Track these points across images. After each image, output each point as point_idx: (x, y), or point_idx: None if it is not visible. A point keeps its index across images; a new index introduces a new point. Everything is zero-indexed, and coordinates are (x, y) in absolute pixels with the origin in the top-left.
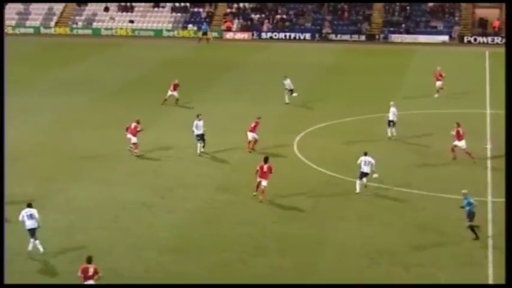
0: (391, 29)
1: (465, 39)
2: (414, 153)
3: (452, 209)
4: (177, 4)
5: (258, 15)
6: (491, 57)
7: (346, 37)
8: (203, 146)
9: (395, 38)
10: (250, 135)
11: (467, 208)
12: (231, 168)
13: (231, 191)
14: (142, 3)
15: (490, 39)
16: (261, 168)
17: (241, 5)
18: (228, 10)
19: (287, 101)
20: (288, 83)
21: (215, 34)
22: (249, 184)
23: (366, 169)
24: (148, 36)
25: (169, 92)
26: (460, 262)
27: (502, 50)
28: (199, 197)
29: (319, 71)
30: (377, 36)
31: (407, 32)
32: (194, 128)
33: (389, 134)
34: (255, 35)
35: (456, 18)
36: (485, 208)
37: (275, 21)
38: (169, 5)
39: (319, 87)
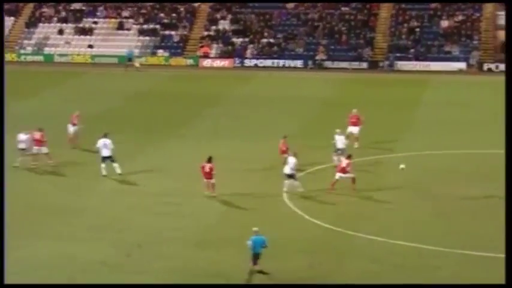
0: (398, 54)
1: (485, 67)
2: (426, 201)
3: (468, 267)
4: (145, 26)
5: (240, 39)
6: None
7: (345, 64)
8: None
9: (403, 65)
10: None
11: (258, 248)
12: (215, 220)
13: (214, 247)
14: (104, 26)
15: None
16: (203, 168)
17: (220, 27)
18: (206, 33)
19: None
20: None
21: (190, 61)
22: (237, 239)
23: None
24: (112, 63)
25: (71, 128)
26: None
27: None
28: (175, 255)
29: (312, 106)
30: (381, 64)
31: (417, 59)
32: (101, 148)
33: (337, 163)
34: (237, 61)
35: (475, 42)
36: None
37: (261, 46)
38: (135, 27)
39: (314, 125)
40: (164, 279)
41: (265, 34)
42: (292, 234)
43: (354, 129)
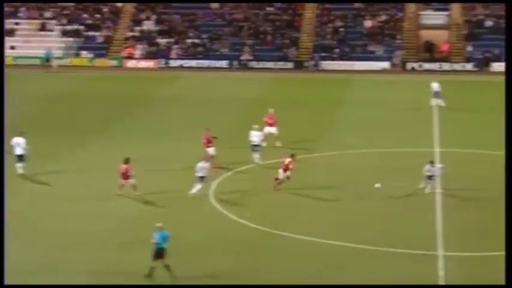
0: (323, 54)
1: (408, 66)
2: (351, 200)
3: (394, 264)
4: (68, 27)
5: (165, 40)
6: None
7: (270, 64)
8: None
9: (328, 65)
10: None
11: (160, 244)
12: (138, 221)
13: (138, 248)
14: (26, 27)
15: (437, 65)
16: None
17: (145, 27)
18: (130, 34)
19: None
20: None
21: (114, 62)
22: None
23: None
24: (34, 64)
25: None
26: None
27: (452, 78)
28: (97, 257)
29: (238, 105)
30: (306, 64)
31: (341, 58)
32: (14, 146)
33: (256, 161)
34: (162, 62)
35: (398, 42)
36: (435, 264)
37: (186, 47)
38: (58, 28)
39: (239, 124)
40: (86, 282)
41: (190, 34)
42: (219, 234)
43: (271, 129)
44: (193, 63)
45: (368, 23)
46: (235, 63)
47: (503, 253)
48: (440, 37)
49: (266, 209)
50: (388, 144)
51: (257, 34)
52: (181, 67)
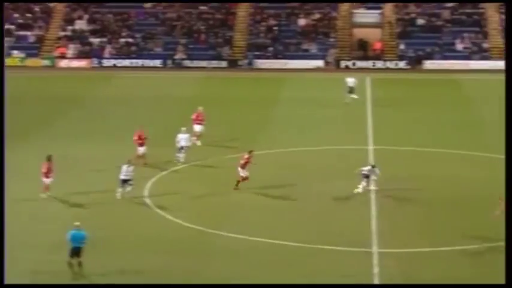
0: (257, 53)
1: (342, 64)
2: (286, 198)
3: (330, 261)
4: None
5: (98, 39)
6: (372, 84)
7: (204, 63)
8: None
9: (262, 63)
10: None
11: (76, 243)
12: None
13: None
14: None
15: (371, 63)
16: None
17: (77, 27)
18: (62, 33)
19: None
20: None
21: (46, 62)
22: (99, 240)
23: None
24: None
25: None
26: None
27: (384, 76)
28: (30, 259)
29: (172, 105)
30: (240, 62)
31: (275, 57)
32: None
33: (181, 160)
34: (95, 62)
35: (331, 40)
36: (370, 261)
37: (119, 46)
38: None
39: (173, 124)
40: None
41: (123, 34)
42: (153, 234)
43: (197, 128)
44: (126, 62)
45: (302, 22)
46: (169, 62)
47: (436, 249)
48: (373, 35)
49: (201, 208)
50: (322, 142)
51: (191, 33)
52: (114, 66)
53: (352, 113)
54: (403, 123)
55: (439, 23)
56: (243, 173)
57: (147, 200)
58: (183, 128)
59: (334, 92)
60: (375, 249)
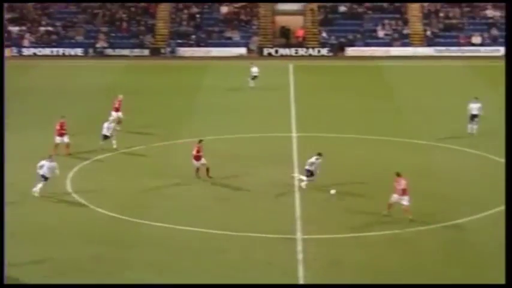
0: (179, 41)
1: (265, 52)
2: (210, 185)
3: (256, 248)
4: None
5: (17, 28)
6: (295, 71)
7: (126, 52)
8: None
9: (185, 51)
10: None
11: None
12: None
13: None
14: None
15: (293, 50)
16: None
17: None
18: None
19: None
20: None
21: None
22: (13, 231)
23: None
24: None
25: None
26: None
27: (307, 63)
28: None
29: (94, 94)
30: (163, 50)
31: (198, 45)
32: None
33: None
34: (14, 51)
35: (254, 28)
36: (295, 247)
37: (39, 35)
38: None
39: (95, 114)
40: None
41: (43, 22)
42: (78, 225)
43: (115, 115)
44: (47, 51)
45: (224, 9)
46: (90, 50)
47: (357, 234)
48: (295, 23)
49: (125, 198)
50: (246, 129)
51: (112, 21)
52: (35, 55)
53: (275, 101)
54: (325, 110)
55: (361, 10)
56: (198, 164)
57: (70, 190)
58: (111, 118)
59: (258, 80)
60: (299, 235)
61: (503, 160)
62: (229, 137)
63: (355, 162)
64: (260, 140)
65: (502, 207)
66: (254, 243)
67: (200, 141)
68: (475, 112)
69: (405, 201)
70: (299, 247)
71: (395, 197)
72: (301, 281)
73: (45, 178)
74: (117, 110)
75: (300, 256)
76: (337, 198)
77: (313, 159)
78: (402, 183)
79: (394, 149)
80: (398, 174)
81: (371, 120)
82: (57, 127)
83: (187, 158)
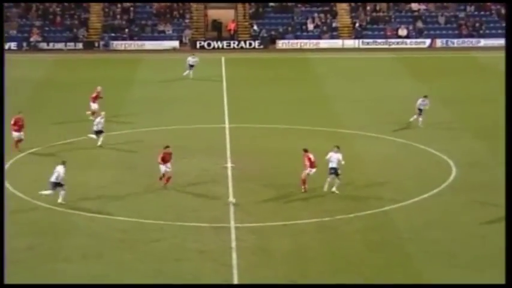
0: (113, 34)
1: (198, 44)
2: (143, 176)
3: (189, 238)
4: None
5: None
6: (227, 64)
7: (61, 45)
8: None
9: (118, 45)
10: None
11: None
12: None
13: None
14: None
15: (225, 43)
16: None
17: None
18: None
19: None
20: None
21: None
22: None
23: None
24: None
25: None
26: None
27: (239, 55)
28: None
29: (27, 87)
30: (96, 44)
31: (132, 38)
32: None
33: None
34: None
35: (187, 21)
36: (228, 235)
37: None
38: None
39: (28, 107)
40: None
41: None
42: (12, 216)
43: (93, 106)
44: None
45: (157, 3)
46: (24, 44)
47: (288, 222)
48: (227, 16)
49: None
50: (180, 121)
51: (46, 15)
52: None
53: (208, 93)
54: (257, 101)
55: (291, 3)
56: (164, 168)
57: (6, 182)
58: (102, 113)
59: (197, 72)
60: (232, 224)
61: (425, 147)
62: (163, 128)
63: (284, 152)
64: (194, 131)
65: (425, 195)
66: (187, 232)
67: (166, 147)
68: (422, 107)
69: (313, 172)
70: (232, 235)
71: (306, 172)
72: (234, 269)
73: (56, 185)
74: (94, 100)
75: (233, 244)
76: (268, 187)
77: (331, 154)
78: (310, 157)
79: (322, 139)
80: (305, 150)
81: (300, 111)
82: (12, 122)
83: (120, 149)
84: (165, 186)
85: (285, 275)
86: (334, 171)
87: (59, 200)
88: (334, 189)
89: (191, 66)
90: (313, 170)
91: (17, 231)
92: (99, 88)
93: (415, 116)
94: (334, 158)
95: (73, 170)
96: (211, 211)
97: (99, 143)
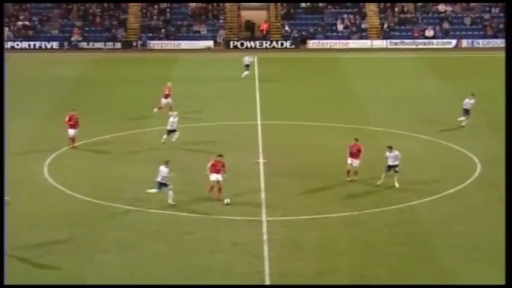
0: (150, 34)
1: (231, 44)
2: (178, 171)
3: (222, 230)
4: None
5: None
6: (260, 63)
7: (100, 45)
8: None
9: (155, 44)
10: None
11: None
12: None
13: None
14: None
15: (258, 43)
16: None
17: None
18: None
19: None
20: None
21: None
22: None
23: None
24: None
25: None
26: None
27: (271, 55)
28: None
29: (68, 84)
30: (134, 43)
31: (168, 38)
32: None
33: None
34: None
35: (221, 22)
36: (260, 228)
37: (16, 29)
38: None
39: (69, 103)
40: None
41: (21, 17)
42: (53, 208)
43: (164, 101)
44: (24, 44)
45: (192, 4)
46: (65, 44)
47: (317, 216)
48: (259, 17)
49: (99, 183)
50: (214, 118)
51: (86, 16)
52: (12, 49)
53: (241, 91)
54: (288, 99)
55: (321, 4)
56: (215, 177)
57: (47, 176)
58: (174, 112)
59: (225, 71)
60: (264, 217)
61: (450, 144)
62: (198, 125)
63: (314, 148)
64: (227, 127)
65: (451, 190)
66: (220, 225)
67: (219, 156)
68: (469, 106)
69: (356, 163)
70: (264, 228)
71: (349, 160)
72: (265, 261)
73: (163, 185)
74: (166, 96)
75: (265, 237)
76: (298, 182)
77: (387, 154)
78: (357, 147)
79: (351, 136)
80: (356, 140)
81: (330, 108)
82: (66, 119)
83: (156, 145)
84: (217, 198)
85: (315, 267)
86: (392, 168)
87: (169, 201)
88: (396, 184)
89: (247, 66)
90: (357, 161)
91: (58, 223)
92: (169, 84)
93: (463, 118)
94: (392, 156)
95: (111, 164)
96: (243, 205)
97: (173, 139)
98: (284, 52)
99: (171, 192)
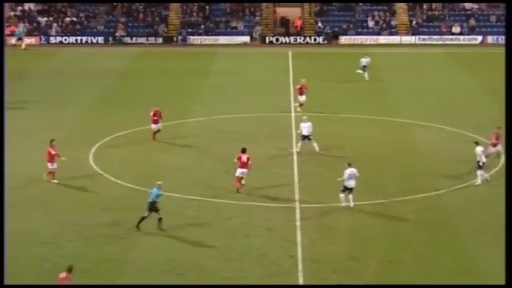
0: (190, 30)
1: (267, 40)
2: (216, 160)
3: (257, 216)
4: None
5: (45, 18)
6: (294, 58)
7: (142, 40)
8: None
9: (195, 39)
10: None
11: (154, 199)
12: (22, 183)
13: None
14: None
15: (292, 39)
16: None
17: (26, 6)
18: (12, 13)
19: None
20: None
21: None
22: (40, 200)
23: (351, 184)
24: None
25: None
26: (269, 271)
27: (305, 50)
28: None
29: (113, 77)
30: (175, 38)
31: (207, 33)
32: None
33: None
34: (43, 39)
35: (257, 18)
36: (293, 215)
37: (65, 24)
38: None
39: (113, 94)
40: None
41: (69, 13)
42: (98, 194)
43: (301, 98)
44: (72, 39)
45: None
46: (110, 39)
47: (349, 204)
48: (294, 14)
49: (141, 171)
50: (251, 109)
51: (130, 12)
52: (61, 43)
53: (276, 83)
54: (320, 91)
55: (353, 2)
56: (240, 171)
57: (92, 163)
58: (305, 117)
59: (261, 64)
60: (297, 204)
61: (476, 136)
62: (235, 116)
63: (346, 138)
64: (262, 118)
65: (475, 180)
66: (256, 211)
67: (243, 150)
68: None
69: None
70: (297, 215)
71: None
72: (298, 246)
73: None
74: (300, 94)
75: (298, 223)
76: (331, 171)
77: (478, 150)
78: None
79: (379, 127)
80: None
81: (360, 101)
82: (151, 114)
83: (196, 135)
84: (237, 187)
85: (345, 251)
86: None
87: (351, 205)
88: (486, 176)
89: (364, 67)
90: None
91: (103, 208)
92: (303, 80)
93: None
94: (479, 151)
95: (152, 153)
96: (278, 192)
97: (316, 149)
98: (317, 47)
99: (351, 196)
